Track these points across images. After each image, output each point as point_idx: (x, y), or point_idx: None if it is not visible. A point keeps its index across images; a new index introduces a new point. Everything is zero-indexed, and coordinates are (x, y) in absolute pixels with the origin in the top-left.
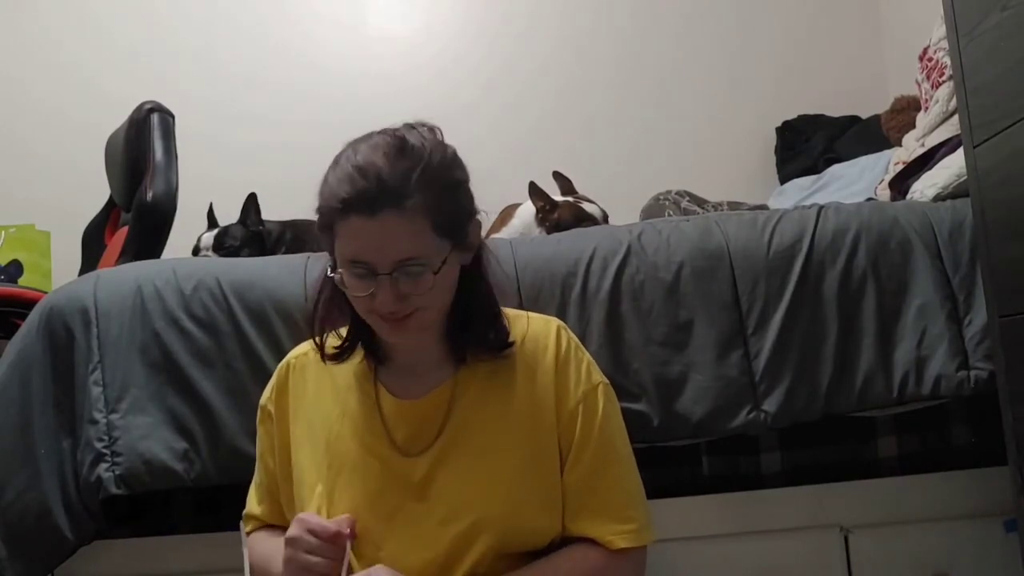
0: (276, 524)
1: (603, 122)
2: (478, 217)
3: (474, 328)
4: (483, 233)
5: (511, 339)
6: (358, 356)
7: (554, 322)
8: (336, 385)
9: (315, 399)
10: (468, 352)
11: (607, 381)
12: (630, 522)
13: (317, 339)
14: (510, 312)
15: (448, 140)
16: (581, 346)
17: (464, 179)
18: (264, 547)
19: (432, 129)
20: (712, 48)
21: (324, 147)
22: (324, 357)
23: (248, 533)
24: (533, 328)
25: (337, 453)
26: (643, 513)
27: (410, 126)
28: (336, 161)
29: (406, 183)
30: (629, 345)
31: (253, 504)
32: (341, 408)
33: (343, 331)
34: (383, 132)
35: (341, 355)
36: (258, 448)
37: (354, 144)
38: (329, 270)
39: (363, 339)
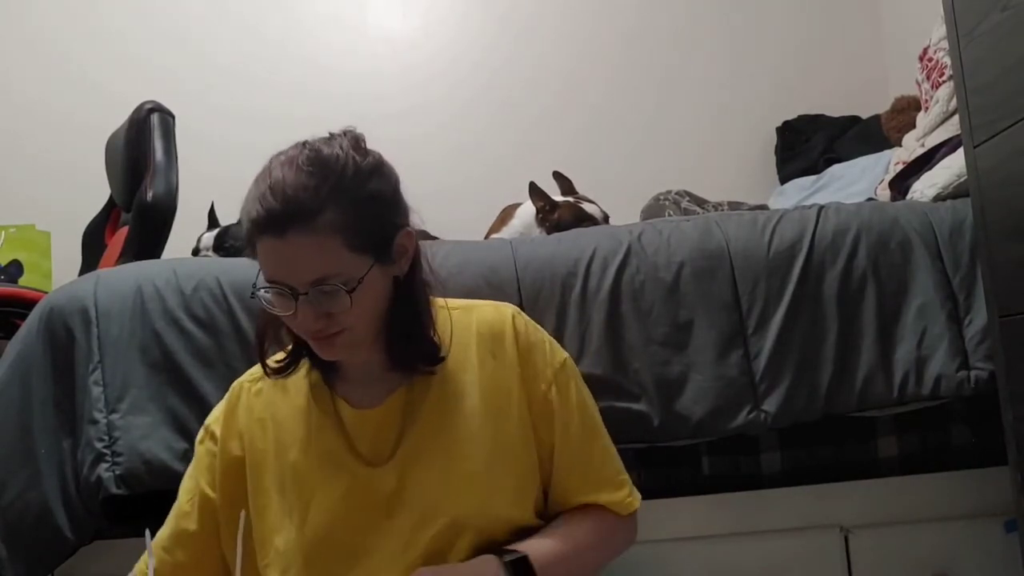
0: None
1: (603, 122)
2: (410, 228)
3: (403, 339)
4: (486, 233)
5: (441, 354)
6: (309, 371)
7: (507, 308)
8: (294, 405)
9: (273, 426)
10: (404, 362)
11: (567, 354)
12: (626, 487)
13: (263, 353)
14: (460, 303)
15: (448, 140)
16: (538, 327)
17: (385, 191)
18: None
19: (355, 138)
20: (712, 48)
21: None
22: (267, 371)
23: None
24: (486, 317)
25: (306, 477)
26: (627, 477)
27: (331, 135)
28: (256, 176)
29: (314, 200)
30: (629, 345)
31: (162, 532)
32: (303, 430)
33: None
34: (302, 144)
35: (284, 369)
36: (189, 471)
37: (274, 157)
38: (252, 290)
39: (307, 351)
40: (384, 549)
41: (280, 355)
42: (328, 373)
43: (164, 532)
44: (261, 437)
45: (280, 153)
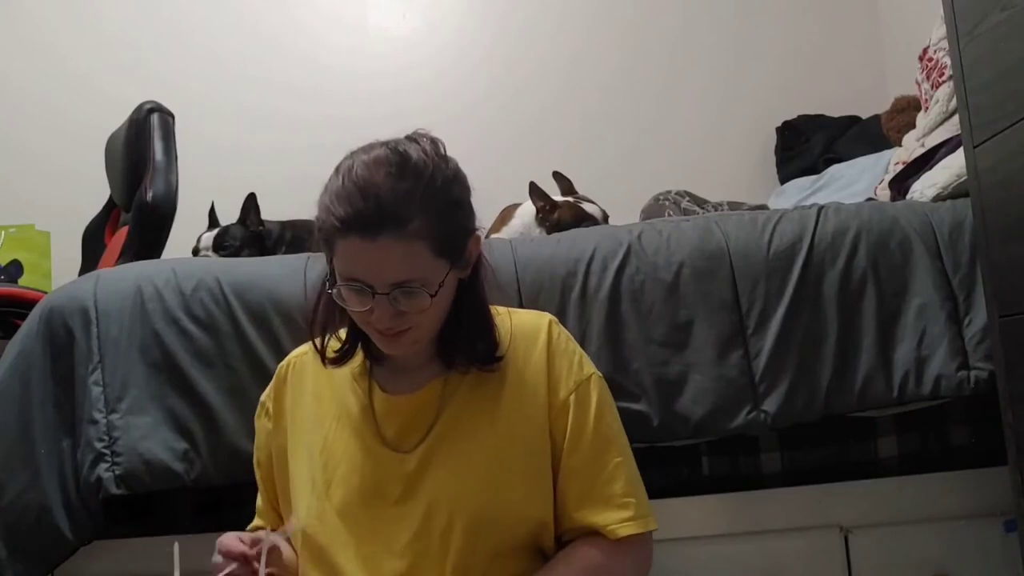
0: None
1: (603, 122)
2: (478, 232)
3: (464, 339)
4: (483, 236)
5: (499, 353)
6: (357, 356)
7: (545, 316)
8: (333, 384)
9: (313, 399)
10: (456, 360)
11: (599, 373)
12: (629, 509)
13: (317, 342)
14: (500, 309)
15: (448, 140)
16: (572, 339)
17: (465, 197)
18: None
19: (435, 142)
20: (712, 48)
21: (324, 146)
22: (325, 361)
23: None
24: (524, 323)
25: (334, 451)
26: (643, 502)
27: (412, 139)
28: (337, 173)
29: (406, 206)
30: (629, 345)
31: (258, 499)
32: (338, 407)
33: (342, 333)
34: (385, 145)
35: (342, 359)
36: (255, 443)
37: (355, 156)
38: (327, 283)
39: (362, 340)
40: (394, 534)
41: (335, 343)
42: (373, 359)
43: (259, 502)
44: (302, 409)
45: (360, 151)
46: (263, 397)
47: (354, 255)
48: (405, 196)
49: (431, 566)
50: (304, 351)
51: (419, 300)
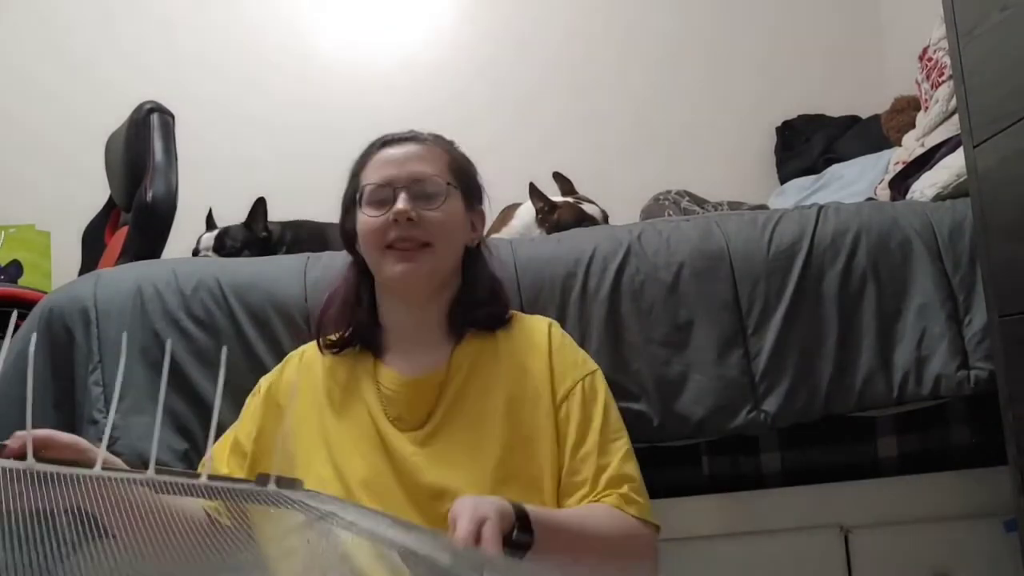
0: None
1: (603, 122)
2: (483, 209)
3: (476, 301)
4: (484, 233)
5: (508, 313)
6: (367, 359)
7: (547, 320)
8: (337, 380)
9: (312, 388)
10: (468, 325)
11: (599, 369)
12: (642, 495)
13: (319, 336)
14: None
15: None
16: (574, 342)
17: (475, 171)
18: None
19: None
20: (712, 48)
21: (325, 151)
22: (321, 346)
23: None
24: (527, 321)
25: (338, 432)
26: (648, 499)
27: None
28: None
29: (432, 138)
30: (629, 345)
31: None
32: (341, 394)
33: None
34: None
35: (337, 345)
36: (239, 422)
37: None
38: (355, 201)
39: (364, 335)
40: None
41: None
42: (375, 348)
43: None
44: (304, 399)
45: None
46: (260, 381)
47: (381, 162)
48: (431, 136)
49: None
50: (313, 350)
51: (434, 198)
